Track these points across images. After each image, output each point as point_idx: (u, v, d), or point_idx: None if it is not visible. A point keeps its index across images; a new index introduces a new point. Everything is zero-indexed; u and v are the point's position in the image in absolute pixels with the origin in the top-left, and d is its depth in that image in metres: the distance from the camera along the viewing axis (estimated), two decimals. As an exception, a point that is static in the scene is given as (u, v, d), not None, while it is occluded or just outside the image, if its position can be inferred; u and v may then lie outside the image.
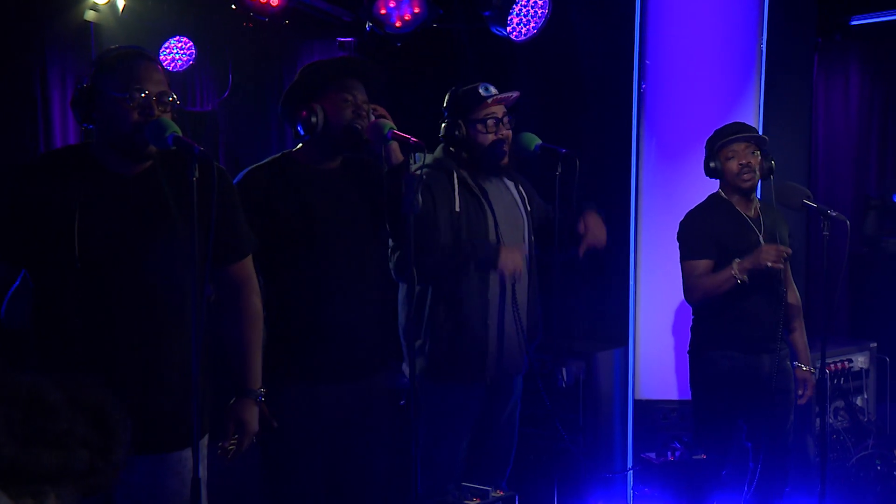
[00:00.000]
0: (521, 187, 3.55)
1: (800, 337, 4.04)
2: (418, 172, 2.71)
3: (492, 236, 3.38)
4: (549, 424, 4.41)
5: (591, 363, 4.86)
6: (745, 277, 3.67)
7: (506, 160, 3.41)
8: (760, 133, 4.72)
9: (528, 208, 3.53)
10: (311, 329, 2.92)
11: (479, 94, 3.38)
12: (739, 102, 4.89)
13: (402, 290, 3.36)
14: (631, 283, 4.97)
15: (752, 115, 4.87)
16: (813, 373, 3.99)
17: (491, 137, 3.39)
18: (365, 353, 3.02)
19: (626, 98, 4.94)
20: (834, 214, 3.47)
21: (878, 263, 7.13)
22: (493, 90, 3.38)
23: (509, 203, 3.48)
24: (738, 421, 3.96)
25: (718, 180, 3.97)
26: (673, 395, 4.91)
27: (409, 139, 2.73)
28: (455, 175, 3.37)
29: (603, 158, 5.24)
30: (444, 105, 3.47)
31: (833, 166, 7.58)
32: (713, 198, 3.98)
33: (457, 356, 3.34)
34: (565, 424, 4.76)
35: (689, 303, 3.89)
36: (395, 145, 2.91)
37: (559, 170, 3.24)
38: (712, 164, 3.89)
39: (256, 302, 2.73)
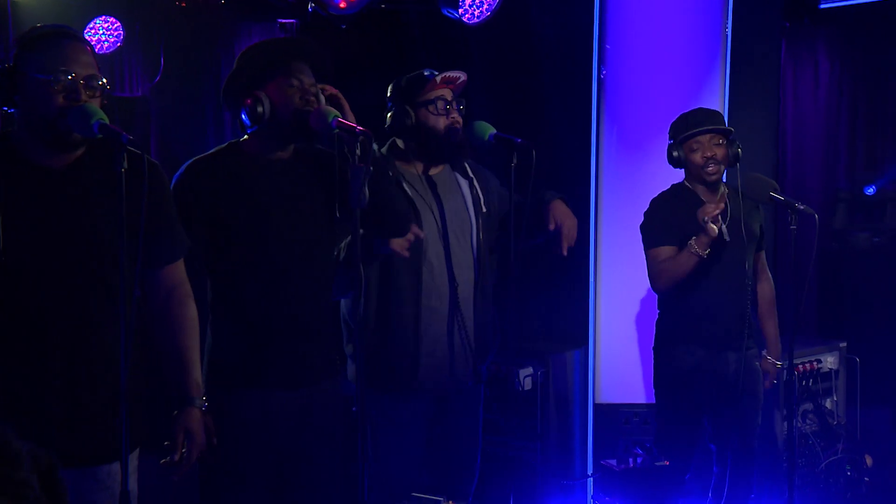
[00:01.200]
0: (476, 185, 3.54)
1: (772, 329, 4.14)
2: (363, 164, 2.70)
3: (432, 241, 3.37)
4: (504, 431, 4.44)
5: (549, 366, 4.89)
6: (706, 252, 3.73)
7: (456, 142, 3.39)
8: (726, 121, 4.79)
9: (485, 209, 3.51)
10: (260, 331, 2.91)
11: (424, 76, 3.38)
12: (704, 89, 4.95)
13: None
14: (590, 279, 5.01)
15: (718, 102, 4.93)
16: (779, 367, 4.05)
17: (443, 121, 3.38)
18: (318, 356, 3.01)
19: (586, 85, 4.98)
20: (802, 208, 3.51)
21: (848, 259, 7.27)
22: (437, 73, 3.39)
23: (458, 206, 3.47)
24: (703, 421, 4.02)
25: (682, 170, 4.02)
26: (635, 398, 4.96)
27: (356, 128, 2.72)
28: (402, 175, 3.37)
29: (561, 149, 5.27)
30: (388, 95, 3.46)
31: (802, 157, 7.69)
32: (677, 187, 4.04)
33: (383, 365, 3.34)
34: (522, 430, 4.79)
35: (655, 291, 3.95)
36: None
37: (514, 161, 3.25)
38: (675, 154, 3.94)
39: (191, 306, 2.71)
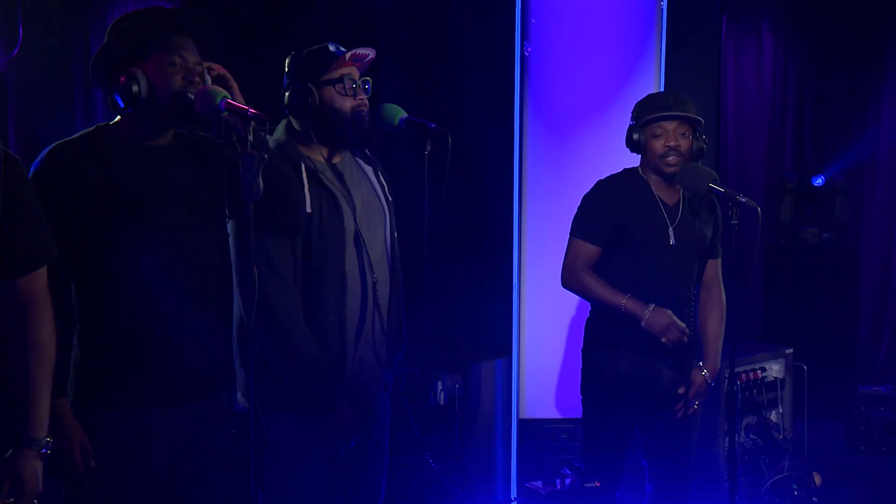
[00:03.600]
0: (380, 173, 3.55)
1: (713, 345, 4.13)
2: (257, 151, 2.68)
3: (349, 240, 3.36)
4: (417, 450, 4.45)
5: (469, 377, 4.92)
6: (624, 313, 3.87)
7: (364, 126, 3.38)
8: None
9: (390, 198, 3.53)
10: (135, 343, 2.87)
11: (331, 51, 3.37)
12: (638, 68, 5.04)
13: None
14: (514, 281, 5.06)
15: (653, 81, 5.01)
16: (709, 383, 4.09)
17: (350, 103, 3.37)
18: (203, 370, 2.98)
19: (507, 63, 5.01)
20: (743, 200, 3.57)
21: (795, 256, 7.45)
22: (344, 49, 3.39)
23: (369, 195, 3.48)
24: (634, 433, 4.08)
25: (640, 155, 4.04)
26: (564, 412, 5.02)
27: (248, 110, 2.70)
28: (303, 165, 3.34)
29: (480, 135, 5.30)
30: (287, 70, 3.44)
31: (744, 144, 7.85)
32: (629, 172, 4.05)
33: (308, 379, 3.32)
34: (439, 449, 4.81)
35: (561, 280, 3.98)
36: (234, 118, 2.87)
37: (428, 148, 3.25)
38: (636, 137, 3.96)
39: (47, 328, 2.64)
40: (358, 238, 3.37)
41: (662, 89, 5.03)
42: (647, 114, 3.93)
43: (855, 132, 7.94)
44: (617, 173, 4.06)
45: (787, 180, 7.58)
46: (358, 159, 3.49)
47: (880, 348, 7.87)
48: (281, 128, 3.42)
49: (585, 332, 4.09)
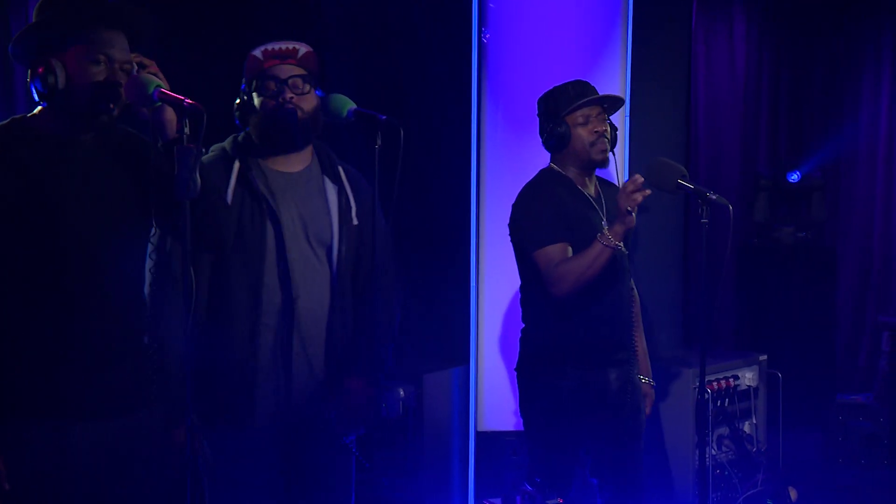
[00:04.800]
0: (349, 192, 3.53)
1: (640, 343, 4.20)
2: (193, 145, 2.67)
3: (269, 250, 3.36)
4: (369, 466, 4.45)
5: (423, 387, 4.92)
6: (622, 244, 3.79)
7: (284, 128, 3.38)
8: (628, 93, 4.91)
9: (356, 222, 3.52)
10: (55, 351, 2.84)
11: (252, 55, 3.40)
12: (603, 56, 5.06)
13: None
14: (472, 284, 5.06)
15: (619, 73, 5.04)
16: (653, 386, 4.15)
17: (271, 105, 3.38)
18: (128, 381, 2.96)
19: (464, 50, 5.02)
20: (714, 197, 3.59)
21: (769, 257, 7.51)
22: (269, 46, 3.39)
23: (318, 212, 3.47)
24: (580, 453, 4.09)
25: (552, 152, 4.05)
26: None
27: (183, 101, 2.69)
28: (236, 164, 3.36)
29: (436, 128, 5.30)
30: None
31: (716, 137, 7.90)
32: (547, 173, 4.07)
33: (214, 394, 3.32)
34: (390, 465, 4.81)
35: (558, 296, 3.93)
36: (170, 112, 2.85)
37: (379, 141, 3.25)
38: (561, 130, 3.97)
39: None
40: (281, 252, 3.36)
41: (629, 79, 5.06)
42: (566, 103, 3.95)
43: (833, 126, 8.02)
44: (537, 176, 4.08)
45: (762, 176, 7.64)
46: (325, 176, 3.50)
47: (859, 355, 7.95)
48: (241, 136, 3.45)
49: (522, 349, 4.07)
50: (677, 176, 3.78)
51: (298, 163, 3.48)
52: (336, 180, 3.52)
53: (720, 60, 7.84)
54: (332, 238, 3.46)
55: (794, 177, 7.46)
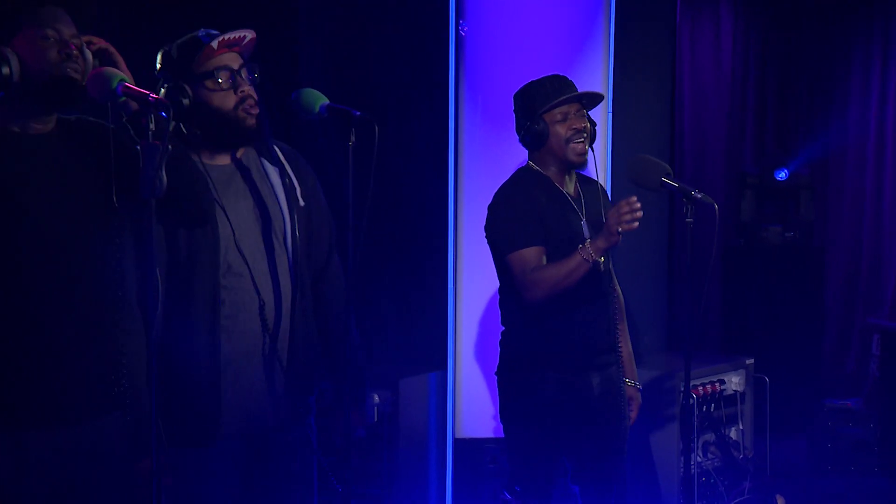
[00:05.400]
0: (290, 172, 3.49)
1: (624, 345, 4.20)
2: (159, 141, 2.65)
3: (224, 245, 3.33)
4: (341, 475, 4.44)
5: (399, 392, 4.92)
6: (602, 259, 3.80)
7: (251, 122, 3.34)
8: (611, 92, 4.91)
9: (302, 202, 3.48)
10: (11, 357, 2.83)
11: (199, 41, 3.31)
12: (585, 51, 5.07)
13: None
14: (449, 286, 5.06)
15: (601, 67, 5.04)
16: (639, 389, 4.16)
17: (232, 98, 3.32)
18: (90, 386, 2.95)
19: (441, 44, 5.02)
20: (700, 196, 3.60)
21: (756, 257, 7.54)
22: (217, 34, 3.33)
23: (263, 199, 3.42)
24: (562, 460, 4.09)
25: (529, 150, 4.06)
26: (502, 431, 5.02)
27: (148, 95, 2.67)
28: (199, 158, 3.31)
29: (412, 124, 5.30)
30: (157, 69, 3.38)
31: (701, 134, 7.93)
32: (523, 172, 4.07)
33: (174, 412, 3.30)
34: (364, 475, 4.80)
35: (531, 302, 3.94)
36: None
37: (352, 138, 3.24)
38: (538, 128, 3.97)
39: None
40: (246, 244, 3.33)
41: (612, 73, 5.07)
42: (545, 100, 3.95)
43: (821, 122, 8.05)
44: (514, 175, 4.08)
45: (748, 174, 7.67)
46: (262, 158, 3.44)
47: (848, 358, 7.98)
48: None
49: (502, 353, 4.07)
50: (661, 174, 3.78)
51: (234, 151, 3.43)
52: (275, 162, 3.46)
53: (705, 54, 7.86)
54: (284, 225, 3.43)
55: (782, 175, 7.50)
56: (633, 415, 4.16)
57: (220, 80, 3.26)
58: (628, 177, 3.94)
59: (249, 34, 3.33)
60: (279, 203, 3.40)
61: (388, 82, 5.35)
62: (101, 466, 2.97)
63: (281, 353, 3.38)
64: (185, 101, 3.22)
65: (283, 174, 3.44)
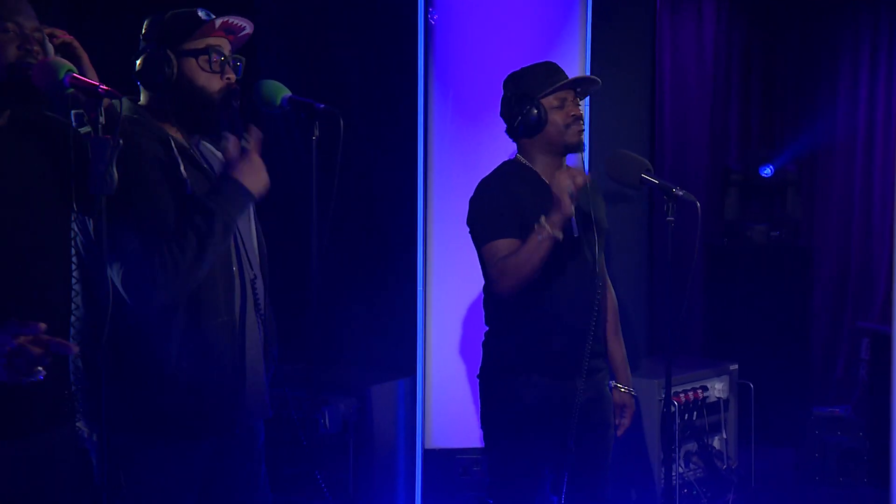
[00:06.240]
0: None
1: (618, 349, 4.23)
2: (110, 135, 2.63)
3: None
4: (304, 486, 4.45)
5: (366, 400, 4.91)
6: (560, 233, 3.78)
7: (229, 110, 3.34)
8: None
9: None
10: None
11: (199, 17, 3.32)
12: (560, 40, 5.08)
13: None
14: (419, 288, 5.06)
15: (577, 57, 5.05)
16: (634, 395, 4.17)
17: (217, 82, 3.33)
18: (40, 395, 2.93)
19: (410, 33, 5.02)
20: (681, 193, 3.61)
21: (740, 258, 7.57)
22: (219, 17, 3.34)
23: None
24: (544, 471, 4.09)
25: (520, 139, 4.05)
26: (476, 440, 5.02)
27: (98, 86, 2.66)
28: (172, 141, 3.30)
29: (379, 117, 5.29)
30: (143, 33, 3.38)
31: (683, 128, 7.95)
32: (511, 164, 4.07)
33: (201, 403, 3.29)
34: (330, 486, 4.79)
35: (500, 294, 3.94)
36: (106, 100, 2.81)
37: (316, 133, 3.23)
38: (536, 114, 3.96)
39: None
40: (236, 239, 3.34)
41: (589, 64, 5.07)
42: (544, 85, 3.95)
43: (808, 116, 8.09)
44: (498, 168, 4.08)
45: (732, 171, 7.70)
46: (205, 141, 3.45)
47: (837, 363, 8.02)
48: (126, 102, 3.34)
49: (484, 354, 4.08)
50: (641, 170, 3.79)
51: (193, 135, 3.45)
52: (220, 149, 3.48)
53: (687, 44, 7.88)
54: (250, 211, 3.46)
55: (767, 171, 7.52)
56: (626, 422, 4.17)
57: (212, 61, 3.27)
58: (606, 173, 3.94)
59: (249, 27, 3.35)
60: None
61: (353, 73, 5.35)
62: (53, 477, 2.96)
63: (257, 345, 3.39)
64: (168, 72, 3.23)
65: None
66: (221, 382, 3.30)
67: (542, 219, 3.76)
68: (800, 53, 8.13)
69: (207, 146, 3.46)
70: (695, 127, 7.94)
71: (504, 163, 4.08)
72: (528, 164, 4.02)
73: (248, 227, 3.44)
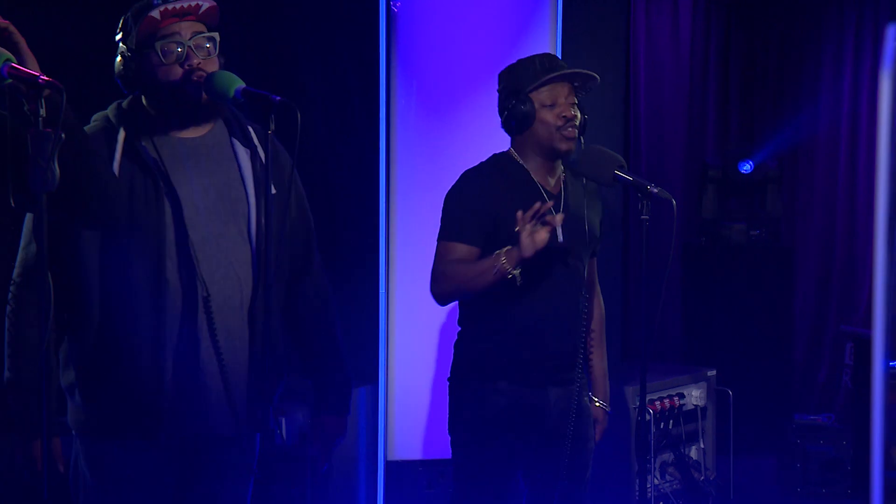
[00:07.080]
0: (261, 155, 3.47)
1: (599, 361, 4.22)
2: (50, 129, 2.61)
3: (169, 228, 3.30)
4: (264, 499, 4.42)
5: (324, 410, 4.90)
6: (518, 272, 3.76)
7: (200, 97, 3.33)
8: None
9: (275, 190, 3.46)
10: None
11: (149, 9, 3.31)
12: (530, 30, 5.08)
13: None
14: (381, 291, 5.05)
15: (548, 48, 5.04)
16: (608, 411, 4.17)
17: (178, 71, 3.32)
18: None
19: (371, 22, 5.01)
20: (656, 191, 3.61)
21: (718, 258, 7.59)
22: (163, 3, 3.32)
23: (229, 180, 3.40)
24: (515, 478, 4.08)
25: (512, 135, 4.03)
26: (441, 452, 5.02)
27: (38, 77, 2.63)
28: (121, 133, 3.29)
29: (339, 110, 5.27)
30: (118, 35, 3.40)
31: (659, 122, 7.97)
32: (501, 157, 4.04)
33: (117, 405, 3.29)
34: (287, 499, 4.77)
35: (434, 296, 3.95)
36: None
37: (272, 126, 3.22)
38: (524, 108, 3.93)
39: None
40: (184, 239, 3.30)
41: (560, 55, 5.06)
42: (533, 78, 3.92)
43: (789, 110, 8.12)
44: (487, 160, 4.05)
45: (710, 167, 7.72)
46: (233, 139, 3.44)
47: (820, 369, 8.05)
48: (125, 101, 3.37)
49: (454, 357, 4.07)
50: (614, 166, 3.79)
51: (200, 126, 3.42)
52: (247, 143, 3.46)
53: (662, 34, 7.90)
54: (248, 210, 3.41)
55: (747, 167, 7.54)
56: (596, 437, 4.16)
57: (161, 54, 3.26)
58: (578, 170, 3.94)
59: (206, 2, 3.32)
60: (245, 187, 3.38)
61: (312, 64, 5.34)
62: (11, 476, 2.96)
63: (236, 354, 3.36)
64: (129, 72, 3.28)
65: (254, 157, 3.43)
66: (132, 388, 3.29)
67: (504, 251, 3.74)
68: (780, 45, 8.17)
69: (232, 143, 3.45)
70: (671, 121, 7.96)
71: (494, 155, 4.05)
72: (519, 160, 3.98)
73: (229, 229, 3.39)
